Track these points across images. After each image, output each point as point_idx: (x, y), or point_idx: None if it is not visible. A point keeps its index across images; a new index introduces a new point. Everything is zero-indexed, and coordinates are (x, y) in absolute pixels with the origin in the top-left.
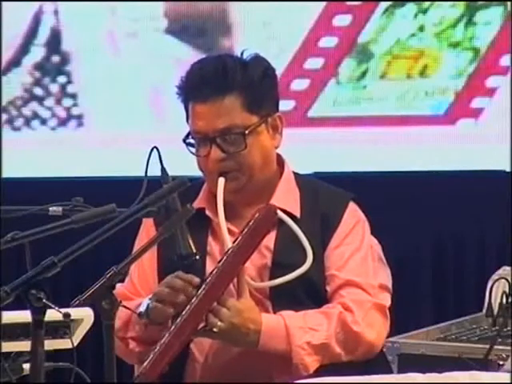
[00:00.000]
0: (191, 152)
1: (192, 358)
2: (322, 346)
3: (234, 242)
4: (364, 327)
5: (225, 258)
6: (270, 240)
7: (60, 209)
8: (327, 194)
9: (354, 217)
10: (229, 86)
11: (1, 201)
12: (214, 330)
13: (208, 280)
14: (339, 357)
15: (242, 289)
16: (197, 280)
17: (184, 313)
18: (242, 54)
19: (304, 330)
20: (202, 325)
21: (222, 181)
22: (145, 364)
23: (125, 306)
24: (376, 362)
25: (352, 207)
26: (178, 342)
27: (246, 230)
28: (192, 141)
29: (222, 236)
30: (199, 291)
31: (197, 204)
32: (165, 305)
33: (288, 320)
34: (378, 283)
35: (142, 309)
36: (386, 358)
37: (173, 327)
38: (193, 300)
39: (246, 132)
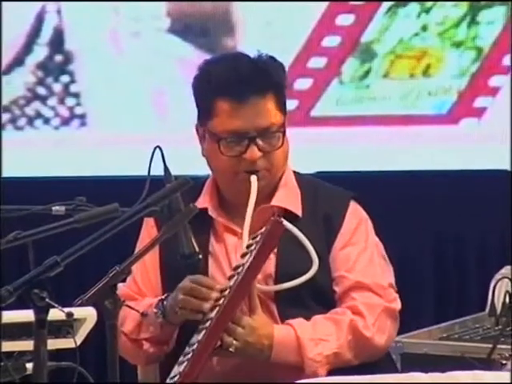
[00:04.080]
0: (221, 152)
1: None
2: (333, 355)
3: (242, 257)
4: (375, 332)
5: (236, 276)
6: None
7: (63, 208)
8: (328, 193)
9: (356, 216)
10: (267, 86)
11: (4, 200)
12: (230, 349)
13: (222, 301)
14: (350, 362)
15: (255, 305)
16: (213, 283)
17: (201, 337)
18: (260, 54)
19: (315, 342)
20: (217, 344)
21: (255, 179)
22: None
23: (128, 306)
24: (381, 362)
25: (353, 206)
26: (197, 368)
27: (254, 245)
28: (222, 141)
29: (222, 239)
30: (214, 313)
31: (199, 204)
32: (189, 311)
33: (299, 331)
34: (387, 283)
35: (157, 311)
36: (391, 358)
37: (190, 353)
38: (207, 324)
39: (283, 131)
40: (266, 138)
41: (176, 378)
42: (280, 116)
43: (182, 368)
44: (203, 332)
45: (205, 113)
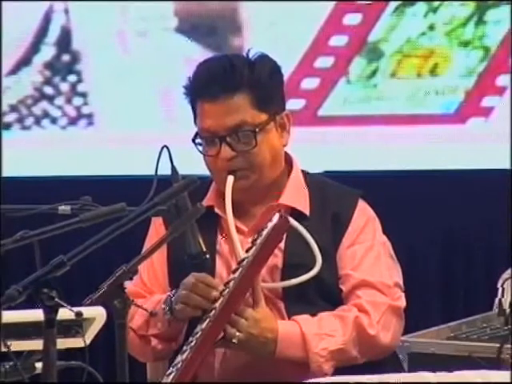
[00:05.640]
0: (200, 152)
1: (204, 364)
2: (338, 351)
3: (247, 251)
4: (380, 330)
5: (240, 269)
6: None
7: (69, 208)
8: (336, 192)
9: (364, 215)
10: (237, 84)
11: (10, 200)
12: (233, 341)
13: (225, 292)
14: (355, 360)
15: (258, 297)
16: (215, 281)
17: (204, 326)
18: (247, 53)
19: (320, 337)
20: (220, 336)
21: (230, 179)
22: (169, 381)
23: (137, 305)
24: (387, 361)
25: (361, 205)
26: (199, 357)
27: (259, 239)
28: (201, 140)
29: (230, 235)
30: (217, 304)
31: (205, 202)
32: (189, 307)
33: (304, 327)
34: (393, 282)
35: (165, 306)
36: (397, 356)
37: (194, 342)
38: (211, 313)
39: (257, 130)
40: (238, 137)
41: (178, 366)
42: (257, 114)
43: (184, 356)
44: (206, 321)
45: (193, 114)
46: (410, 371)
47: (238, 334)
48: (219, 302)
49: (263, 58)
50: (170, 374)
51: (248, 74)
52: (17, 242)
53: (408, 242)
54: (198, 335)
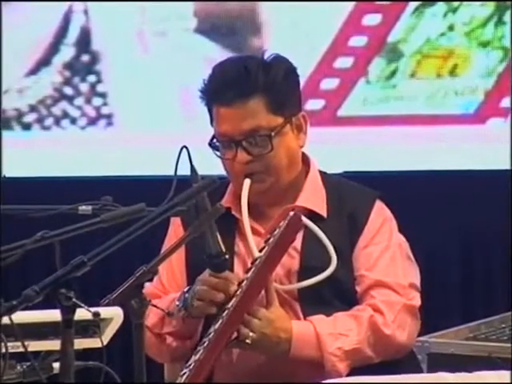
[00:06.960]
0: (217, 155)
1: (220, 364)
2: (353, 350)
3: (260, 251)
4: (395, 329)
5: (253, 268)
6: (297, 241)
7: (89, 208)
8: (353, 192)
9: (381, 215)
10: (252, 88)
11: (31, 200)
12: (247, 341)
13: (238, 292)
14: (370, 360)
15: (272, 297)
16: (232, 276)
17: (217, 326)
18: (262, 54)
19: (335, 336)
20: (233, 336)
21: (247, 182)
22: (182, 381)
23: (154, 305)
24: (405, 361)
25: (379, 205)
26: (212, 357)
27: (272, 239)
28: (217, 143)
29: (246, 238)
30: (230, 304)
31: (223, 204)
32: (206, 303)
33: (318, 326)
34: (408, 282)
35: (179, 303)
36: (416, 357)
37: (207, 342)
38: (224, 313)
39: (272, 134)
40: (254, 141)
41: (191, 367)
42: (273, 118)
43: (197, 356)
44: (219, 321)
45: (210, 117)
46: (429, 371)
47: (251, 334)
48: (232, 301)
49: (278, 60)
50: (184, 374)
51: (263, 77)
52: (37, 243)
53: (427, 243)
54: (211, 335)
